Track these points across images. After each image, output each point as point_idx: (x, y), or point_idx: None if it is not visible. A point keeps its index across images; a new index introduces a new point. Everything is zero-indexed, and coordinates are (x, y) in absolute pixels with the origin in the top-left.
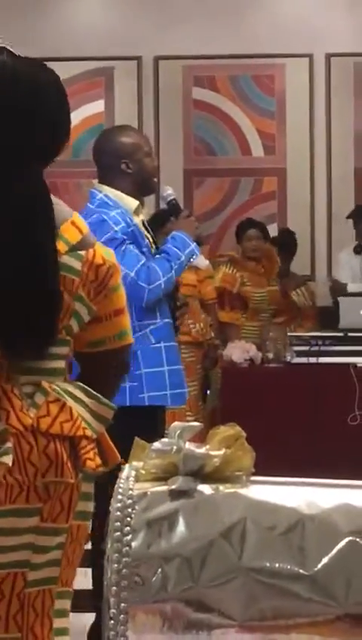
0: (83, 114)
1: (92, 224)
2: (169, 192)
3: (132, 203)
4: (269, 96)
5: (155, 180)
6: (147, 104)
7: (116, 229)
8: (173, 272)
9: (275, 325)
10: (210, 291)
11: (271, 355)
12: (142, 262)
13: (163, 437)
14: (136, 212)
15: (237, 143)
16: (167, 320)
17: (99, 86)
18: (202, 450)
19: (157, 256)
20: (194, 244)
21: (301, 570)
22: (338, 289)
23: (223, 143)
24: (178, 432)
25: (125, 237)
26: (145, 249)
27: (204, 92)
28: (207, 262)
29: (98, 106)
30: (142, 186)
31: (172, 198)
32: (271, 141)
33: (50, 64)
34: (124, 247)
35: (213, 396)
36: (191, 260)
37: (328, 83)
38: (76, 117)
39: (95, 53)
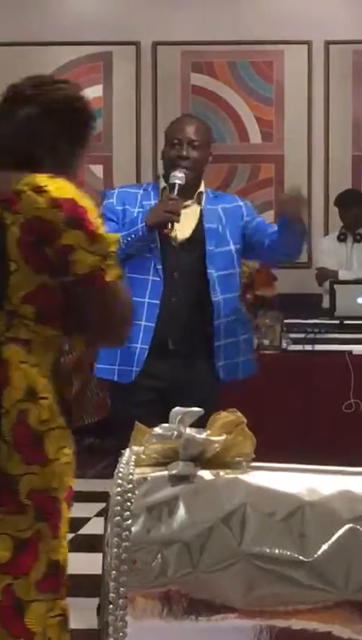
0: None
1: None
2: (177, 175)
3: (161, 185)
4: (267, 82)
5: (176, 167)
6: (145, 89)
7: (103, 203)
8: None
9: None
10: None
11: (266, 342)
12: None
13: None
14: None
15: (235, 129)
16: (142, 300)
17: (97, 71)
18: (203, 435)
19: None
20: (142, 225)
21: (301, 557)
22: (324, 276)
23: (221, 129)
24: (178, 417)
25: (102, 212)
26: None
27: (202, 78)
28: None
29: (96, 91)
30: (166, 172)
31: (175, 181)
32: (268, 128)
33: (49, 48)
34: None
35: None
36: (129, 239)
37: (326, 70)
38: None
39: (94, 37)
